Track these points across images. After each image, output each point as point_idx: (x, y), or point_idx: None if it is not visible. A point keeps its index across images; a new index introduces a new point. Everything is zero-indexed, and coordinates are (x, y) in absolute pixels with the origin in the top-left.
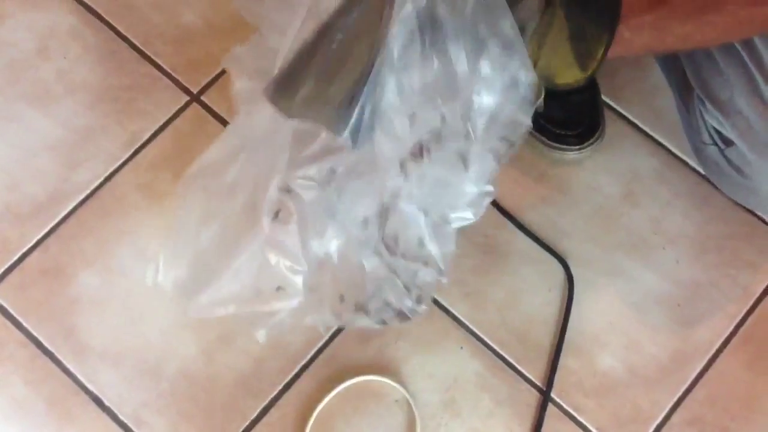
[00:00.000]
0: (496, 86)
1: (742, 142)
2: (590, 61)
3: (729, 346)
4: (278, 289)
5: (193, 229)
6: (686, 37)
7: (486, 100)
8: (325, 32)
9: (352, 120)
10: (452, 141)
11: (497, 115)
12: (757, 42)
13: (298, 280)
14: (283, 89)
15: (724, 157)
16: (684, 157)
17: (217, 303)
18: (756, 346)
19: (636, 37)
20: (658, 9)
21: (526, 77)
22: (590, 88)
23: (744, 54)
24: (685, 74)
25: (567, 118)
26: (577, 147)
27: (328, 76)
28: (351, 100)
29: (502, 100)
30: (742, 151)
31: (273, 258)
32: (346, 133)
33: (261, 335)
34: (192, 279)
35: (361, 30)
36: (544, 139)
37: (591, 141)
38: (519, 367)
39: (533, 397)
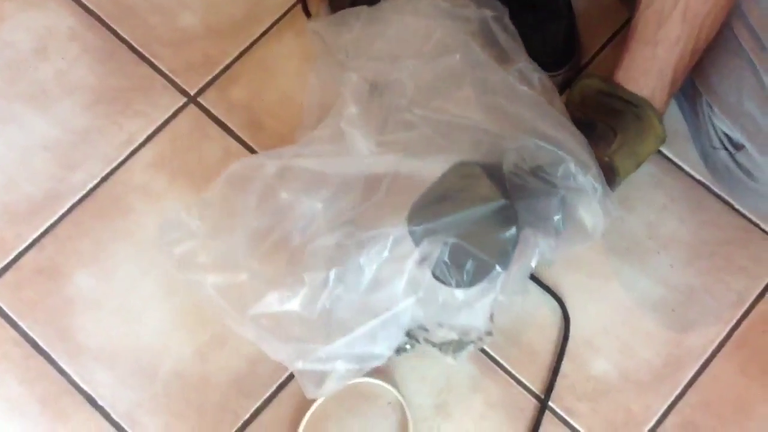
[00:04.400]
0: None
1: (752, 145)
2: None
3: (722, 351)
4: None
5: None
6: None
7: None
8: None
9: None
10: None
11: None
12: (766, 43)
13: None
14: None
15: (735, 161)
16: (679, 162)
17: (327, 360)
18: (749, 351)
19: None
20: None
21: None
22: (566, 16)
23: (752, 55)
24: (692, 80)
25: (545, 45)
26: (554, 72)
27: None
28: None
29: None
30: (752, 154)
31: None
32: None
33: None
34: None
35: None
36: None
37: (568, 65)
38: (512, 370)
39: (526, 400)
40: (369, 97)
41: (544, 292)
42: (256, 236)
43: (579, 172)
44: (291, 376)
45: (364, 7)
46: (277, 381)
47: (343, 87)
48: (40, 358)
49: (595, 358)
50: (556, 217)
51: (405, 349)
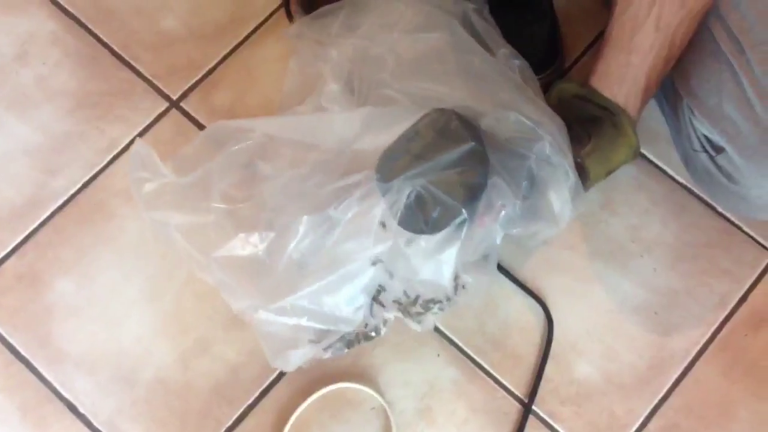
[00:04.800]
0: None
1: (732, 148)
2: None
3: (705, 354)
4: (357, 309)
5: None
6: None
7: None
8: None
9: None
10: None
11: None
12: (745, 46)
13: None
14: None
15: (715, 164)
16: (662, 165)
17: (292, 313)
18: (732, 354)
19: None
20: None
21: None
22: (549, 18)
23: (731, 58)
24: (672, 83)
25: (528, 47)
26: (539, 75)
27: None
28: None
29: None
30: (731, 156)
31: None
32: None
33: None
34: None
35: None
36: None
37: (551, 68)
38: (496, 375)
39: (510, 404)
40: (349, 75)
41: (527, 296)
42: (226, 197)
43: (554, 153)
44: (274, 383)
45: (346, 0)
46: (259, 387)
47: (323, 64)
48: (21, 366)
49: (578, 362)
50: (525, 183)
51: (370, 337)
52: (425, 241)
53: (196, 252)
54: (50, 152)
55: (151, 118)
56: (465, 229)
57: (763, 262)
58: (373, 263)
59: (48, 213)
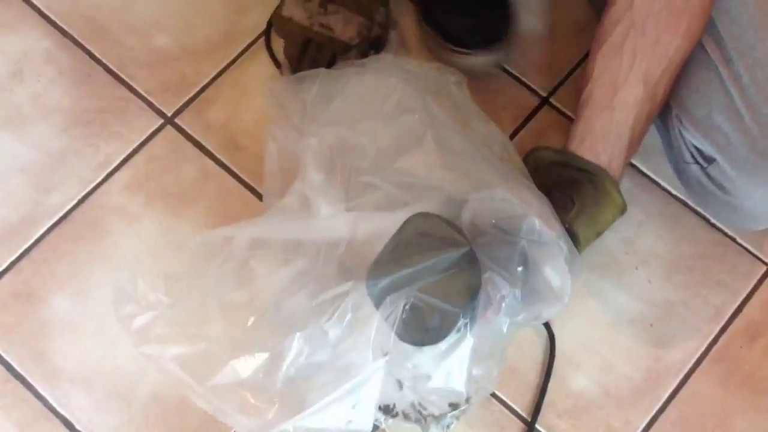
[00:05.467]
0: None
1: (723, 158)
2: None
3: (701, 366)
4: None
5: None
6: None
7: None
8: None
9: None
10: None
11: None
12: (733, 53)
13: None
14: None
15: (707, 174)
16: (655, 178)
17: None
18: (728, 365)
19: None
20: None
21: None
22: (506, 8)
23: (720, 68)
24: None
25: (476, 27)
26: (485, 50)
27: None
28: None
29: None
30: (723, 167)
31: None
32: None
33: None
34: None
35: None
36: (449, 45)
37: (498, 45)
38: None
39: (507, 419)
40: (330, 163)
41: None
42: (225, 308)
43: (543, 228)
44: None
45: (323, 69)
46: None
47: (303, 153)
48: (17, 383)
49: (575, 375)
50: (519, 269)
51: (377, 427)
52: (429, 351)
53: (193, 382)
54: (45, 169)
55: (146, 135)
56: (469, 330)
57: (757, 273)
58: (377, 375)
59: (43, 230)
